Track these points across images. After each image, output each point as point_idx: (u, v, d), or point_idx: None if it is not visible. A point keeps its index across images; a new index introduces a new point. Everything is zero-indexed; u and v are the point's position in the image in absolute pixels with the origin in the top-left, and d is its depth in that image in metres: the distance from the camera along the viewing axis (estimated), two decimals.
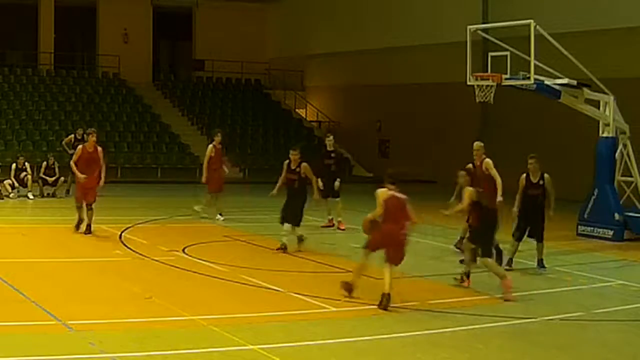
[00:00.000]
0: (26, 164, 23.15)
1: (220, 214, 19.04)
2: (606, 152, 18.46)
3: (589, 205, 18.54)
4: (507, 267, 13.58)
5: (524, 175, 14.26)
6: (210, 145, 19.26)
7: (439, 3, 32.24)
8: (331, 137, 18.98)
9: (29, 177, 22.92)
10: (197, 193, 27.36)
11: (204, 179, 19.03)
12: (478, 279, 13.35)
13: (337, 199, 18.17)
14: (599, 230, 18.26)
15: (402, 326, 9.75)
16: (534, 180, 14.17)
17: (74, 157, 16.32)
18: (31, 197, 22.53)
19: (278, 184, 15.48)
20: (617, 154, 18.54)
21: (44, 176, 23.14)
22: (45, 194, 22.76)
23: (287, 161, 15.37)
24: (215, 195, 19.14)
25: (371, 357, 8.70)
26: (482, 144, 14.70)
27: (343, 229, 17.83)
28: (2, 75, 35.32)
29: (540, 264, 14.24)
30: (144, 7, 38.96)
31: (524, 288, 12.37)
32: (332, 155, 18.48)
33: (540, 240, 14.25)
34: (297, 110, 39.67)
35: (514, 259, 14.12)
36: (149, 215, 18.83)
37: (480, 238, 12.01)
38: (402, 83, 33.69)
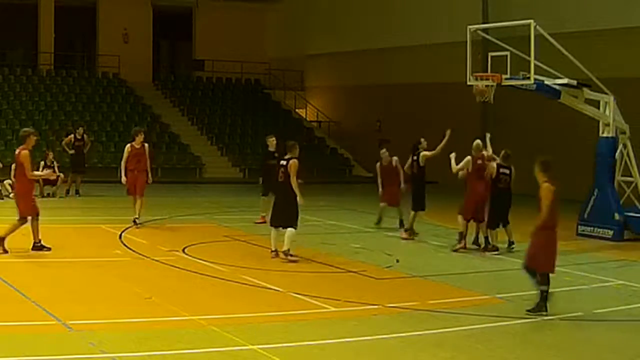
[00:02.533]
0: None
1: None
2: (606, 152, 18.44)
3: (589, 205, 18.51)
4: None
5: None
6: (127, 145, 18.35)
7: (439, 3, 32.18)
8: (273, 138, 18.77)
9: None
10: (196, 193, 27.52)
11: (123, 180, 18.10)
12: (478, 278, 13.39)
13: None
14: (599, 230, 18.22)
15: (402, 326, 9.74)
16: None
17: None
18: None
19: None
20: (617, 154, 18.53)
21: None
22: (45, 194, 22.72)
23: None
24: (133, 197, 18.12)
25: (371, 357, 8.69)
26: (475, 143, 16.07)
27: (262, 222, 17.77)
28: (2, 75, 35.29)
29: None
30: (144, 7, 38.93)
31: (524, 288, 12.37)
32: (275, 155, 17.66)
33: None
34: (297, 110, 39.66)
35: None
36: (149, 215, 18.78)
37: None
38: (402, 83, 33.65)
